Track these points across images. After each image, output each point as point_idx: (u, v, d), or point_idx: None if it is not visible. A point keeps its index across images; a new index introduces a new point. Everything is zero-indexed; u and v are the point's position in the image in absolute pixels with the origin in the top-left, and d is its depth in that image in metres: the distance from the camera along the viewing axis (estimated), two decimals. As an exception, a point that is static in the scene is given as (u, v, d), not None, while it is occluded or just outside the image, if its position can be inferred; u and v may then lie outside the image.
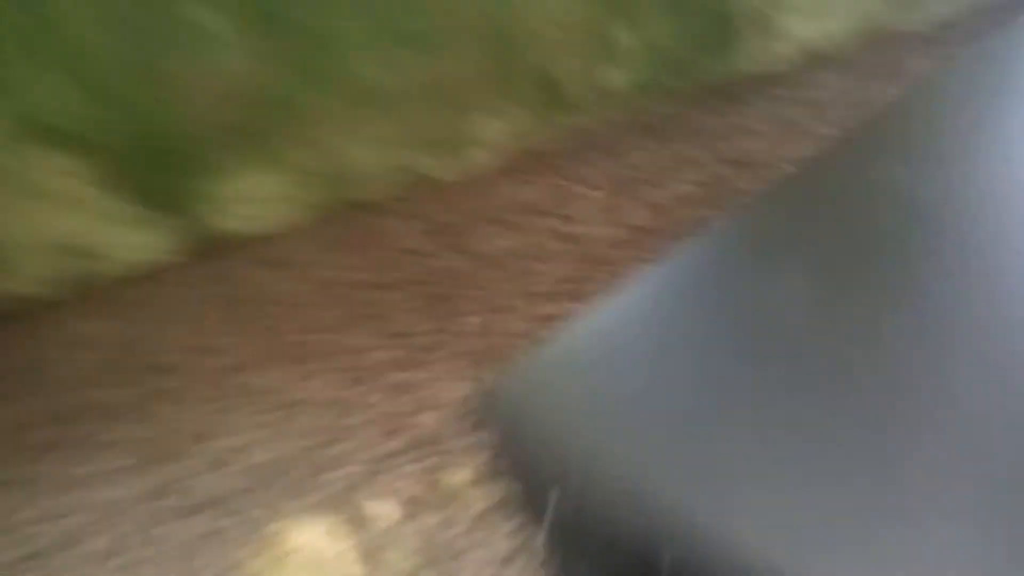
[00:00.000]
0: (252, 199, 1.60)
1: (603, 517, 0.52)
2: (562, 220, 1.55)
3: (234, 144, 1.54)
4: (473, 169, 1.78)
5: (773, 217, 0.72)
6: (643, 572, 0.49)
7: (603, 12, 1.85)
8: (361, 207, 1.67)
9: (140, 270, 1.51)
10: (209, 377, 1.19)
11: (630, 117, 1.96)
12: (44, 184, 1.38)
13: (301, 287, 1.42)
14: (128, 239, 1.52)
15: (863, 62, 2.24)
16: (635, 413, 0.55)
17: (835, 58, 2.26)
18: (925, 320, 0.57)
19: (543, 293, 1.31)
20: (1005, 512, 0.51)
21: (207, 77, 1.44)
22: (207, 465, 1.02)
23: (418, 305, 1.30)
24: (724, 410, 0.53)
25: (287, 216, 1.65)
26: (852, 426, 0.53)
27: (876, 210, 0.65)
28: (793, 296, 0.55)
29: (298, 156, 1.61)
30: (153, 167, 1.48)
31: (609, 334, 0.61)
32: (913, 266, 0.59)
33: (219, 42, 1.42)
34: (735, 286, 0.61)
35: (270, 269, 1.49)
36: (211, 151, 1.53)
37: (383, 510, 0.92)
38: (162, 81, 1.41)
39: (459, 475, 0.93)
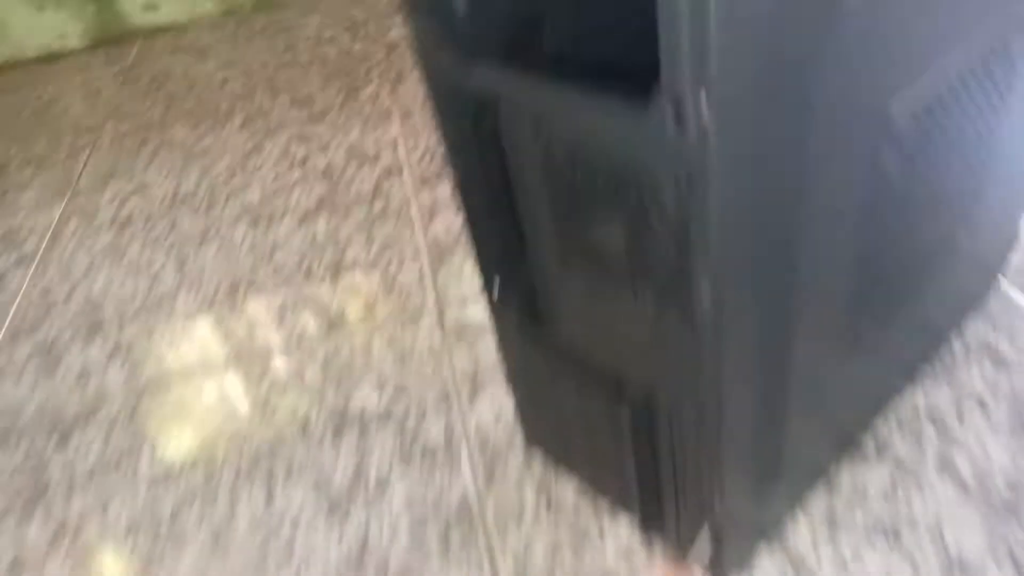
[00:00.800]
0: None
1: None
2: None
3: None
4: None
5: None
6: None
7: None
8: (273, 5, 1.79)
9: (51, 52, 1.72)
10: (118, 137, 1.37)
11: None
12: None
13: (209, 67, 1.56)
14: (39, 22, 1.67)
15: None
16: None
17: None
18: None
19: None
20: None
21: None
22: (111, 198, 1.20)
23: (322, 80, 1.42)
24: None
25: (198, 8, 1.77)
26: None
27: None
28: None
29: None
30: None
31: None
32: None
33: None
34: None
35: (180, 54, 1.66)
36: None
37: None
38: None
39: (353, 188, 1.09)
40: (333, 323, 0.90)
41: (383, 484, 0.71)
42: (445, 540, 0.66)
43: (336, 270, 0.97)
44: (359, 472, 0.73)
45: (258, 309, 0.94)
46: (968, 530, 0.59)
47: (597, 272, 0.47)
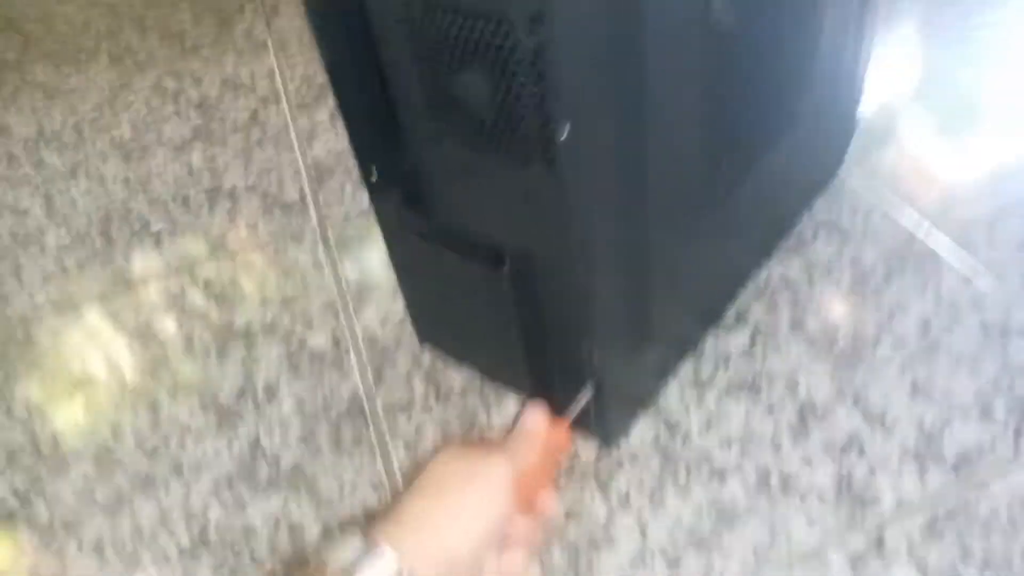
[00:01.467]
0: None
1: None
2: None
3: None
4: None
5: None
6: None
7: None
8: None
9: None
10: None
11: None
12: None
13: (69, 8, 1.48)
14: None
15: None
16: None
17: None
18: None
19: None
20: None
21: None
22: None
23: (194, 16, 1.38)
24: None
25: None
26: None
27: None
28: None
29: None
30: None
31: None
32: None
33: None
34: None
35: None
36: None
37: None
38: None
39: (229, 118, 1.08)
40: (213, 246, 0.89)
41: (271, 392, 0.72)
42: (336, 437, 0.67)
43: (214, 196, 0.96)
44: (246, 384, 0.73)
45: (134, 240, 0.91)
46: (818, 380, 0.65)
47: (466, 137, 0.48)
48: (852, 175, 0.82)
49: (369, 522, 0.46)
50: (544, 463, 0.54)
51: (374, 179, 0.57)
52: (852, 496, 0.57)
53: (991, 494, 0.56)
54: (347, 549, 0.43)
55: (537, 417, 0.55)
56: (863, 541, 0.54)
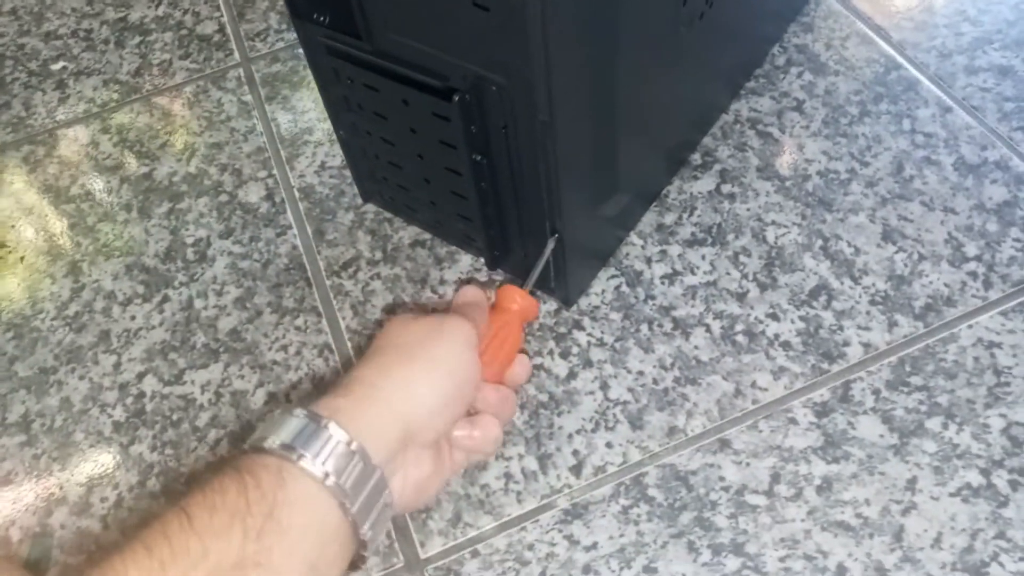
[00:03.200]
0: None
1: None
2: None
3: None
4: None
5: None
6: None
7: None
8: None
9: None
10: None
11: None
12: None
13: None
14: None
15: None
16: None
17: None
18: None
19: None
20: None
21: None
22: None
23: None
24: None
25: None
26: None
27: None
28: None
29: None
30: None
31: None
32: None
33: None
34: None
35: None
36: None
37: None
38: None
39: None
40: (123, 91, 0.79)
41: (202, 252, 0.66)
42: (277, 298, 0.62)
43: (120, 32, 0.84)
44: (174, 244, 0.67)
45: (31, 82, 0.81)
46: (786, 225, 0.61)
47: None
48: (827, 1, 0.76)
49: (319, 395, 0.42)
50: (510, 330, 0.51)
51: (312, 17, 0.49)
52: (818, 347, 0.55)
53: (957, 340, 0.54)
54: (287, 427, 0.38)
55: (474, 289, 0.50)
56: (828, 393, 0.53)
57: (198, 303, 0.63)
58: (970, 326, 0.55)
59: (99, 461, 0.56)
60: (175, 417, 0.58)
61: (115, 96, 0.79)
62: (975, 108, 0.66)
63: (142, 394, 0.59)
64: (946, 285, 0.57)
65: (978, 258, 0.58)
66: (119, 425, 0.58)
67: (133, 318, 0.63)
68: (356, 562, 0.39)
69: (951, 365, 0.53)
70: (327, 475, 0.36)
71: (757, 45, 0.71)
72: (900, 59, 0.70)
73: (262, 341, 0.60)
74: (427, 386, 0.42)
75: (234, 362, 0.60)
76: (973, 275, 0.57)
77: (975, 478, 0.49)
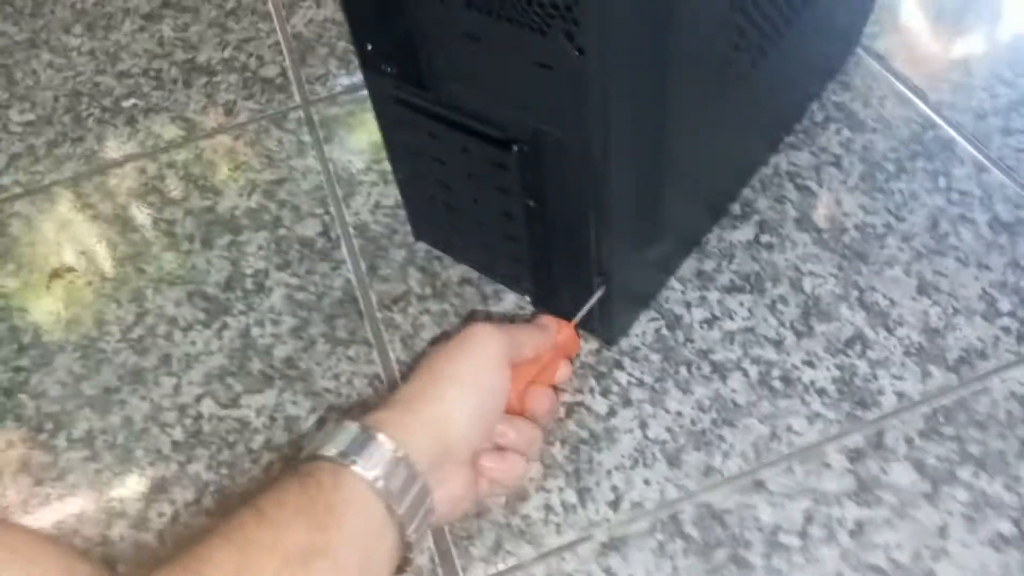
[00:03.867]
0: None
1: None
2: None
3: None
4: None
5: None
6: None
7: None
8: None
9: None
10: None
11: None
12: None
13: None
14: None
15: None
16: None
17: None
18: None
19: None
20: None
21: None
22: None
23: None
24: None
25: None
26: None
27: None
28: None
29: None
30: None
31: None
32: None
33: None
34: None
35: None
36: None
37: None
38: None
39: None
40: (190, 128, 0.84)
41: (260, 283, 0.70)
42: (331, 329, 0.65)
43: (188, 72, 0.90)
44: (234, 274, 0.71)
45: (105, 118, 0.86)
46: (823, 276, 0.63)
47: (478, 6, 0.44)
48: (866, 59, 0.78)
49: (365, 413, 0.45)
50: (550, 364, 0.53)
51: (369, 48, 0.52)
52: (853, 394, 0.57)
53: (990, 393, 0.56)
54: (341, 437, 0.42)
55: (554, 321, 0.54)
56: (862, 439, 0.55)
57: (255, 331, 0.66)
58: (1003, 380, 0.56)
59: (157, 478, 0.59)
60: (231, 439, 0.60)
61: (182, 133, 0.84)
62: (1010, 168, 0.68)
63: (200, 416, 0.62)
64: (979, 339, 0.58)
65: (1011, 314, 0.59)
66: (177, 444, 0.61)
67: (193, 343, 0.66)
68: (402, 565, 0.43)
69: (983, 417, 0.55)
70: (377, 479, 0.40)
71: (797, 102, 0.73)
72: (937, 119, 0.73)
73: (315, 369, 0.63)
74: (458, 402, 0.46)
75: (288, 388, 0.62)
76: (1006, 330, 0.59)
77: (1006, 528, 0.50)
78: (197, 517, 0.57)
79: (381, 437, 0.42)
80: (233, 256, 0.72)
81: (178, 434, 0.61)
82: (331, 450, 0.41)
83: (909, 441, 0.54)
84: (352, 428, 0.43)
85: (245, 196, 0.77)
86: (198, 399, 0.63)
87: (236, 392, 0.63)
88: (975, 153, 0.70)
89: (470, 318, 0.64)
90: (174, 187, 0.79)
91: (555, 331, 0.54)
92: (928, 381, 0.57)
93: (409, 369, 0.62)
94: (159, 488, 0.59)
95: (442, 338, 0.63)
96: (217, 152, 0.81)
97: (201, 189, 0.78)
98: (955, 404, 0.55)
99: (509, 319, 0.64)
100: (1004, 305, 0.60)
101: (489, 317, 0.64)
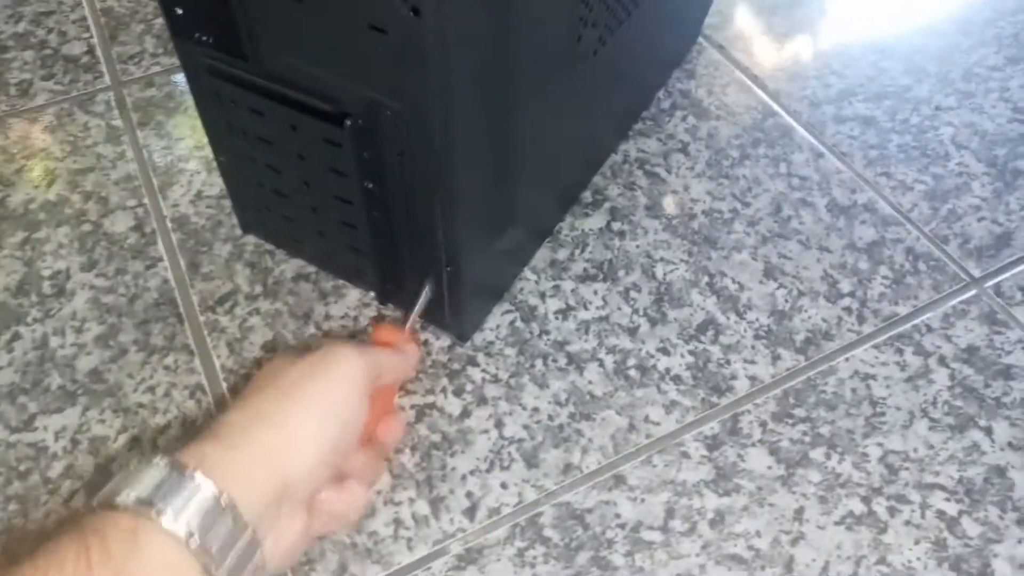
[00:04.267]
0: None
1: None
2: None
3: None
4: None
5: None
6: None
7: None
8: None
9: None
10: None
11: None
12: None
13: None
14: None
15: None
16: None
17: None
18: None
19: None
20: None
21: None
22: None
23: None
24: None
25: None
26: None
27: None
28: None
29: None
30: None
31: None
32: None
33: None
34: None
35: None
36: None
37: None
38: None
39: None
40: (-25, 110, 0.73)
41: (60, 288, 0.60)
42: (145, 335, 0.58)
43: (-28, 47, 0.78)
44: (28, 276, 0.61)
45: None
46: (675, 262, 0.62)
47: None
48: (708, 49, 0.79)
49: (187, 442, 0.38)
50: (387, 383, 0.48)
51: (179, 14, 0.46)
52: (707, 380, 0.56)
53: (836, 372, 0.56)
54: (145, 477, 0.33)
55: (398, 331, 0.49)
56: (718, 425, 0.54)
57: (54, 341, 0.57)
58: (847, 359, 0.57)
59: (-71, 520, 0.50)
60: (23, 468, 0.52)
61: (-35, 116, 0.72)
62: (844, 154, 0.70)
63: (-15, 443, 0.53)
64: (824, 320, 0.59)
65: (852, 294, 0.61)
66: (-45, 478, 0.51)
67: (-24, 358, 0.57)
68: None
69: (831, 397, 0.55)
70: (191, 535, 0.32)
71: (644, 89, 0.73)
72: (776, 107, 0.74)
73: (126, 382, 0.55)
74: (308, 431, 0.38)
75: (94, 405, 0.54)
76: (848, 310, 0.60)
77: (857, 506, 0.50)
78: (-21, 563, 0.48)
79: (199, 478, 0.33)
80: (27, 256, 0.62)
81: (-44, 466, 0.52)
82: (130, 495, 0.32)
83: (763, 425, 0.54)
84: (159, 465, 0.34)
85: (43, 187, 0.67)
86: (-18, 423, 0.54)
87: (30, 412, 0.54)
88: (812, 139, 0.71)
89: (326, 336, 0.59)
90: (-47, 178, 0.67)
91: (416, 358, 0.50)
92: (778, 364, 0.57)
93: (246, 386, 0.55)
94: (-70, 532, 0.49)
95: (288, 352, 0.57)
96: (8, 138, 0.71)
97: (-12, 180, 0.67)
98: (804, 385, 0.56)
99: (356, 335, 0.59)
100: (844, 286, 0.61)
101: (329, 325, 0.59)
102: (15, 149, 0.70)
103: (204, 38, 0.47)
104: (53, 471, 0.51)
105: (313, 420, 0.38)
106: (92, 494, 0.50)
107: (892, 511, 0.50)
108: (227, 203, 0.63)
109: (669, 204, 0.66)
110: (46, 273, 0.61)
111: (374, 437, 0.46)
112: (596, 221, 0.65)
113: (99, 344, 0.57)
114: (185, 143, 0.70)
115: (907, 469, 0.52)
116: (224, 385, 0.55)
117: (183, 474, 0.33)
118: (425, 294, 0.51)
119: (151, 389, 0.55)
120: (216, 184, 0.66)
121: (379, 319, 0.58)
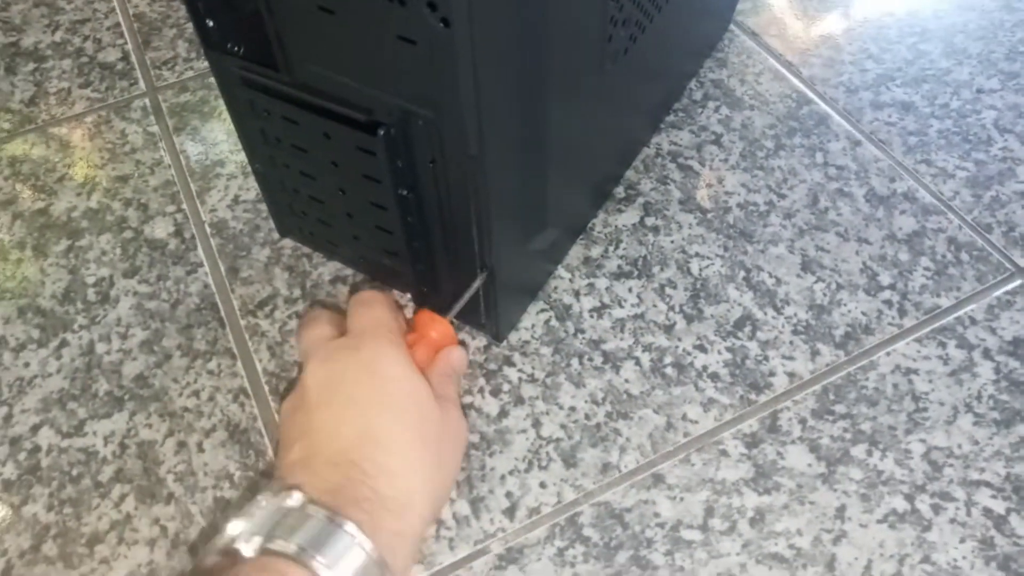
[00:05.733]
0: None
1: None
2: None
3: None
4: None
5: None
6: None
7: None
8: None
9: None
10: None
11: None
12: None
13: None
14: None
15: None
16: None
17: None
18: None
19: None
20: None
21: None
22: None
23: None
24: None
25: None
26: None
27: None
28: None
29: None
30: None
31: None
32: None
33: None
34: None
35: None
36: None
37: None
38: None
39: None
40: (16, 121, 0.74)
41: (104, 295, 0.62)
42: (188, 340, 0.59)
43: (12, 58, 0.79)
44: (73, 286, 0.62)
45: (-89, 111, 0.75)
46: (710, 257, 0.62)
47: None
48: (740, 36, 0.78)
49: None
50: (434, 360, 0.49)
51: (211, 26, 0.46)
52: (745, 377, 0.55)
53: (877, 367, 0.56)
54: (305, 527, 0.35)
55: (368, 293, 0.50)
56: (757, 423, 0.53)
57: (100, 347, 0.59)
58: (888, 353, 0.56)
59: (-13, 524, 0.51)
60: (75, 472, 0.53)
61: (6, 126, 0.74)
62: (882, 142, 0.69)
63: (37, 448, 0.54)
64: (863, 313, 0.58)
65: (892, 287, 0.60)
66: (9, 484, 0.53)
67: (27, 365, 0.58)
68: None
69: (872, 392, 0.54)
70: None
71: (676, 80, 0.72)
72: (811, 94, 0.73)
73: (171, 387, 0.57)
74: (421, 482, 0.41)
75: (141, 410, 0.56)
76: (888, 303, 0.59)
77: (900, 504, 0.50)
78: (35, 566, 0.49)
79: (351, 529, 0.35)
80: (71, 264, 0.64)
81: (10, 471, 0.53)
82: (290, 545, 0.34)
83: (803, 422, 0.53)
84: (319, 516, 0.35)
85: (84, 195, 0.68)
86: (34, 429, 0.55)
87: (80, 418, 0.56)
88: (849, 127, 0.70)
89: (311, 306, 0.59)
90: (-2, 188, 0.69)
91: (420, 327, 0.51)
92: (817, 359, 0.56)
93: (302, 379, 0.56)
94: (-11, 536, 0.51)
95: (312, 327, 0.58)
96: (50, 147, 0.72)
97: (32, 189, 0.69)
98: (844, 381, 0.55)
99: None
100: (885, 279, 0.60)
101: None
102: (56, 158, 0.71)
103: (236, 48, 0.47)
104: (103, 475, 0.53)
105: (416, 459, 0.41)
106: (141, 497, 0.51)
107: (936, 509, 0.49)
108: (264, 207, 0.64)
109: (703, 197, 0.65)
110: (90, 280, 0.63)
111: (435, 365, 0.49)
112: (629, 217, 0.64)
113: (144, 350, 0.58)
114: (220, 147, 0.71)
115: (951, 466, 0.51)
116: (266, 388, 0.56)
117: (340, 526, 0.35)
118: (475, 285, 0.51)
119: (195, 393, 0.56)
120: (252, 188, 0.67)
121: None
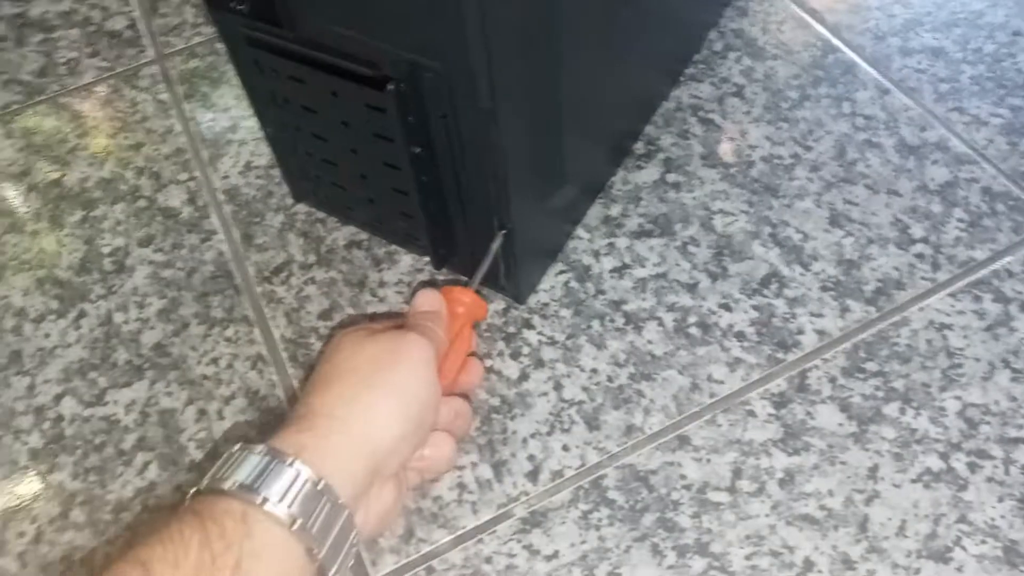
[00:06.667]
0: None
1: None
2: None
3: None
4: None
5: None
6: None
7: None
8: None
9: None
10: None
11: None
12: None
13: None
14: None
15: None
16: None
17: None
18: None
19: None
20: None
21: None
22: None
23: None
24: None
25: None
26: None
27: None
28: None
29: None
30: None
31: None
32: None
33: None
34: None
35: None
36: None
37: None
38: None
39: None
40: (27, 92, 0.73)
41: (120, 264, 0.61)
42: (204, 308, 0.58)
43: (20, 29, 0.79)
44: (89, 257, 0.62)
45: (-78, 85, 0.75)
46: (734, 213, 0.60)
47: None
48: (763, -16, 0.75)
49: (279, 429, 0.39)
50: (460, 335, 0.48)
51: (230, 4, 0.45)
52: (772, 336, 0.54)
53: (909, 323, 0.54)
54: (247, 465, 0.36)
55: (433, 294, 0.48)
56: (785, 383, 0.52)
57: (118, 317, 0.59)
58: (921, 308, 0.55)
59: (15, 493, 0.52)
60: (98, 441, 0.53)
61: (17, 98, 0.73)
62: (912, 89, 0.66)
63: (60, 418, 0.54)
64: (895, 268, 0.57)
65: (924, 240, 0.58)
66: (36, 452, 0.53)
67: (47, 336, 0.58)
68: None
69: (904, 349, 0.53)
70: (294, 520, 0.34)
71: (694, 30, 0.69)
72: (836, 42, 0.70)
73: (190, 355, 0.56)
74: (392, 416, 0.40)
75: (160, 379, 0.55)
76: (921, 257, 0.57)
77: (935, 463, 0.48)
78: (64, 533, 0.50)
79: (298, 465, 0.35)
80: (87, 234, 0.63)
81: (36, 440, 0.53)
82: (235, 482, 0.35)
83: (832, 381, 0.52)
84: (261, 453, 0.36)
85: (97, 165, 0.67)
86: (57, 399, 0.55)
87: (101, 387, 0.55)
88: (877, 75, 0.68)
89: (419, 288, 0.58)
90: (13, 160, 0.69)
91: (448, 304, 0.49)
92: (847, 316, 0.55)
93: (320, 364, 0.55)
94: (17, 505, 0.51)
95: (348, 324, 0.57)
96: (61, 117, 0.71)
97: (46, 160, 0.68)
98: (876, 338, 0.53)
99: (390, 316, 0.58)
100: (916, 231, 0.58)
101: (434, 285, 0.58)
102: (68, 128, 0.70)
103: (240, 7, 0.46)
104: (126, 443, 0.53)
105: (396, 405, 0.40)
106: (164, 465, 0.51)
107: (973, 467, 0.48)
108: (276, 173, 0.63)
109: (726, 152, 0.63)
110: (106, 250, 0.62)
111: (455, 384, 0.47)
112: (650, 174, 0.63)
113: (161, 318, 0.58)
114: (231, 113, 0.70)
115: (988, 423, 0.49)
116: (284, 355, 0.56)
117: (283, 462, 0.35)
118: (494, 247, 0.49)
119: (214, 361, 0.56)
120: (265, 154, 0.66)
121: (430, 284, 0.58)
